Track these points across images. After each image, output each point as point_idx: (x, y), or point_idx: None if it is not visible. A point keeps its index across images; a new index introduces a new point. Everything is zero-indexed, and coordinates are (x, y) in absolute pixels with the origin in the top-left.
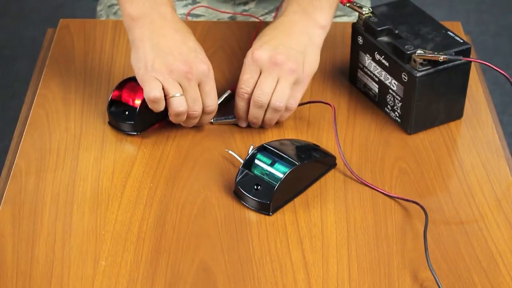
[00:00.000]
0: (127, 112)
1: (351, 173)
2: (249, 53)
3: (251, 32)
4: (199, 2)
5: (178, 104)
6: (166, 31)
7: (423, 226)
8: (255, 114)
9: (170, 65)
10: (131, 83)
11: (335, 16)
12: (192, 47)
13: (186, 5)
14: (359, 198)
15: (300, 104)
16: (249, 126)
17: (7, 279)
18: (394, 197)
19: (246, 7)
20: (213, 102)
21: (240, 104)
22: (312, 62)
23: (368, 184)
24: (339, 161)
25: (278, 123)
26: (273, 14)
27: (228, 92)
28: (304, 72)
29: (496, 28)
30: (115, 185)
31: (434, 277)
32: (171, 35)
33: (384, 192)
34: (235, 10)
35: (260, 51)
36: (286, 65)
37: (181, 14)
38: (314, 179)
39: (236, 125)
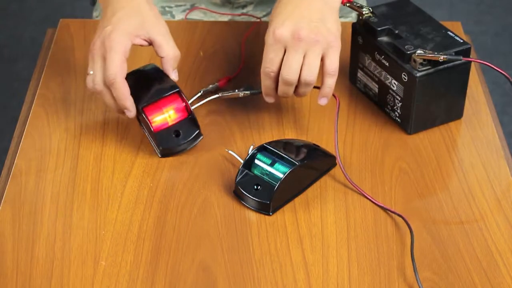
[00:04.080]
0: (180, 132)
1: (345, 175)
2: (270, 32)
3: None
4: (197, 7)
5: None
6: None
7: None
8: (285, 90)
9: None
10: (150, 107)
11: None
12: None
13: (184, 10)
14: (359, 198)
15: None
16: (249, 117)
17: (7, 279)
18: (382, 206)
19: (244, 10)
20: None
21: (267, 82)
22: (334, 25)
23: (360, 190)
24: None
25: (325, 98)
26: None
27: (216, 84)
28: (330, 36)
29: (496, 28)
30: (115, 185)
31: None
32: None
33: (372, 199)
34: (233, 13)
35: (282, 29)
36: (309, 38)
37: (180, 19)
38: (314, 179)
39: (229, 113)
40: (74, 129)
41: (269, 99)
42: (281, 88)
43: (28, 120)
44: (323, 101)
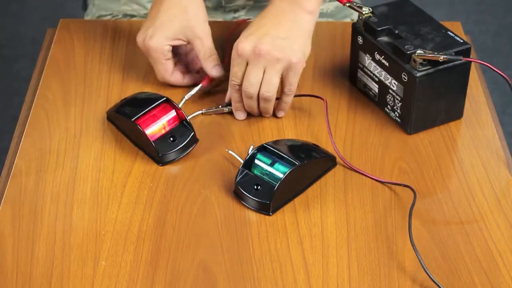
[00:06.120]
0: (176, 137)
1: (343, 160)
2: (235, 45)
3: None
4: None
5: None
6: None
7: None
8: (248, 104)
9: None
10: (142, 119)
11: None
12: None
13: None
14: (359, 198)
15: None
16: (249, 117)
17: (7, 279)
18: (385, 182)
19: (236, 15)
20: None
21: (234, 95)
22: (301, 47)
23: (360, 171)
24: (338, 159)
25: (282, 111)
26: None
27: (199, 86)
28: (293, 57)
29: (496, 28)
30: (115, 185)
31: (417, 255)
32: None
33: (374, 177)
34: (225, 18)
35: (244, 43)
36: (270, 55)
37: None
38: (314, 179)
39: (230, 114)
40: (74, 129)
41: (239, 115)
42: (245, 101)
43: (28, 120)
44: (279, 114)
